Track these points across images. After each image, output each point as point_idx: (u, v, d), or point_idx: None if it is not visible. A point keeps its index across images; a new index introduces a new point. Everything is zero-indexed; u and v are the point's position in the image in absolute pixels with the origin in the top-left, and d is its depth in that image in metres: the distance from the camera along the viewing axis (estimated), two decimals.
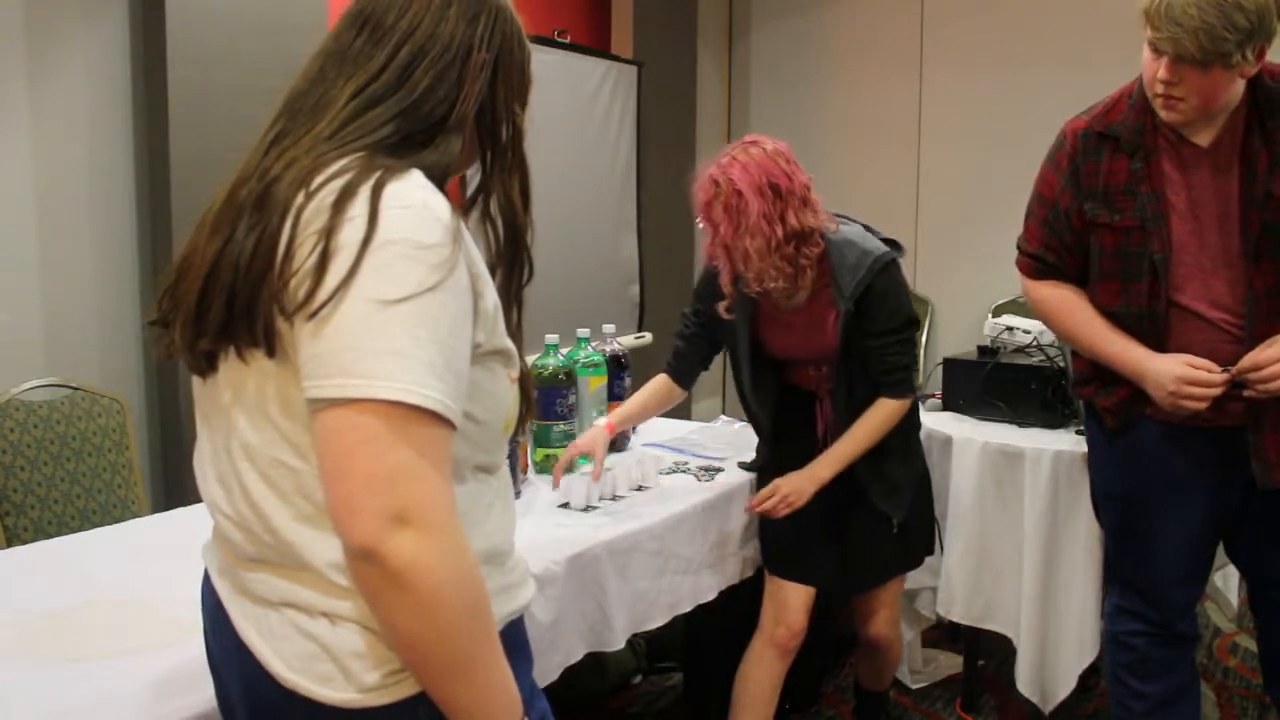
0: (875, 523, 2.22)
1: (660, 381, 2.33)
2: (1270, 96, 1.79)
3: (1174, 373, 1.81)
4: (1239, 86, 1.77)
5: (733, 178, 1.99)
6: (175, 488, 3.04)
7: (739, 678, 2.26)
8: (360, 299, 0.87)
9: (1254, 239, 1.79)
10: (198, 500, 1.99)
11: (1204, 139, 1.82)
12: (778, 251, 2.00)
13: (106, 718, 1.22)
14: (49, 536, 2.25)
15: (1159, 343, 1.87)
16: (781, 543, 2.24)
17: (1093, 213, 1.90)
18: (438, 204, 0.94)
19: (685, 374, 2.34)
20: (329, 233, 0.89)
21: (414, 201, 0.92)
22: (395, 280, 0.88)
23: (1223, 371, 1.80)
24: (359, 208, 0.90)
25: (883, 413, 2.15)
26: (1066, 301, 2.00)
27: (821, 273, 2.11)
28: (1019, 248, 2.10)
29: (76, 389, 2.53)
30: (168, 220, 2.98)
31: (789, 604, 2.21)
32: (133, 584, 1.63)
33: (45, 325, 2.90)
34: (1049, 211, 1.98)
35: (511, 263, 1.08)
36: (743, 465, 2.40)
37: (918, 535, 2.32)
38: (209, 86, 2.98)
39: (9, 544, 2.26)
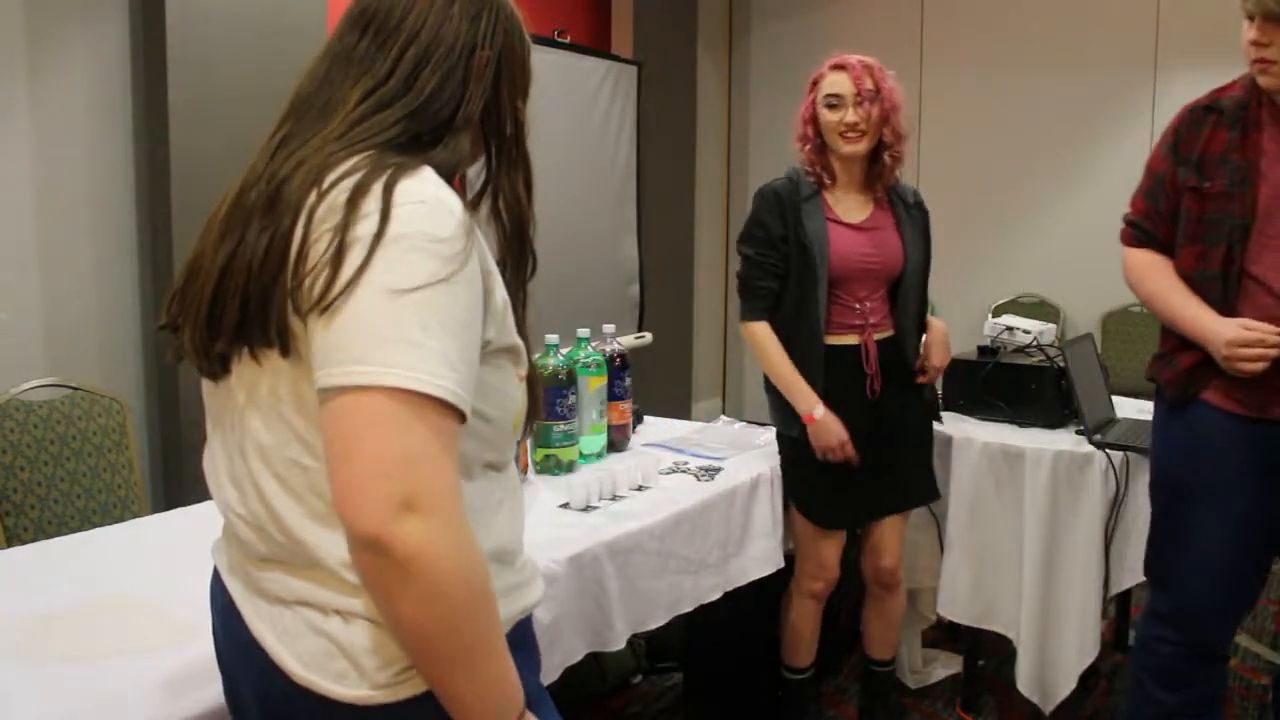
0: (904, 457, 2.42)
1: (769, 330, 2.36)
2: None
3: (1228, 334, 1.82)
4: None
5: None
6: (175, 488, 3.04)
7: (785, 621, 2.53)
8: (372, 289, 0.88)
9: None
10: (198, 500, 1.99)
11: None
12: (905, 139, 2.33)
13: (106, 718, 1.22)
14: (49, 536, 2.24)
15: (1229, 310, 1.87)
16: (824, 495, 2.38)
17: (1184, 177, 1.92)
18: (450, 199, 0.94)
19: (773, 311, 2.36)
20: (343, 229, 0.90)
21: (427, 197, 0.92)
22: (408, 271, 0.89)
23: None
24: (372, 204, 0.90)
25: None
26: (1152, 266, 2.02)
27: (883, 191, 2.37)
28: (1124, 220, 2.12)
29: (76, 389, 2.53)
30: (168, 220, 2.98)
31: (825, 561, 2.43)
32: (133, 584, 1.63)
33: (45, 325, 2.90)
34: (1152, 182, 2.02)
35: (518, 257, 1.09)
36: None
37: (929, 472, 2.51)
38: (209, 87, 2.99)
39: (9, 544, 2.26)
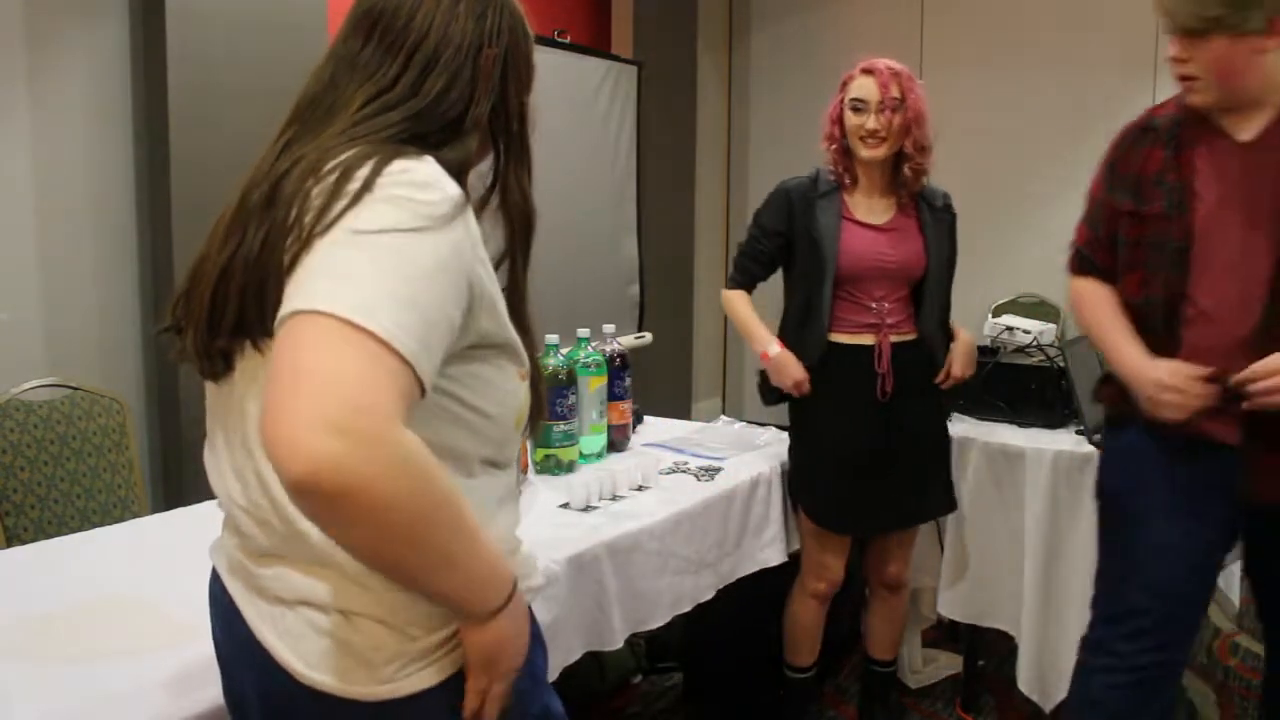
0: (918, 468, 2.38)
1: (744, 296, 2.47)
2: None
3: (1153, 376, 1.78)
4: (1270, 67, 1.68)
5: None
6: (175, 488, 3.04)
7: (788, 618, 2.54)
8: (338, 230, 0.88)
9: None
10: (197, 500, 1.99)
11: (1246, 133, 1.75)
12: (929, 152, 2.33)
13: (107, 718, 1.22)
14: (49, 536, 2.24)
15: (1174, 339, 1.82)
16: (829, 496, 2.38)
17: (1121, 201, 1.88)
18: (448, 183, 0.94)
19: (751, 287, 2.48)
20: (331, 196, 0.90)
21: (420, 172, 0.93)
22: (373, 216, 0.88)
23: (1210, 381, 1.73)
24: (363, 173, 0.91)
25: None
26: (1091, 296, 1.98)
27: (908, 196, 2.36)
28: (1070, 246, 2.09)
29: (76, 389, 2.53)
30: (168, 220, 2.98)
31: (829, 564, 2.44)
32: (133, 584, 1.63)
33: (45, 325, 2.90)
34: (1092, 207, 1.99)
35: (524, 252, 1.09)
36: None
37: (947, 485, 2.46)
38: (209, 87, 2.98)
39: (9, 544, 2.26)
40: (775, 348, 2.35)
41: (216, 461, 1.07)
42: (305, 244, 0.89)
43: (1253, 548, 1.93)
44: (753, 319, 2.43)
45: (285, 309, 0.86)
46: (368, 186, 0.89)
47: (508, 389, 1.03)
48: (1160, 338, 1.84)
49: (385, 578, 0.92)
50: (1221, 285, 1.77)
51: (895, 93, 2.25)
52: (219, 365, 1.01)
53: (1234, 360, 1.74)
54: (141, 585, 1.62)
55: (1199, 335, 1.79)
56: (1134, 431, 1.87)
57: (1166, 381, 1.76)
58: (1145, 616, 1.85)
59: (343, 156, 0.94)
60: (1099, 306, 1.96)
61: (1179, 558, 1.84)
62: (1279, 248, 1.72)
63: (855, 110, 2.28)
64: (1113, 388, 1.93)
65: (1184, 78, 1.73)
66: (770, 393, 2.44)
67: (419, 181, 0.92)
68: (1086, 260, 2.01)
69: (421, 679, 0.97)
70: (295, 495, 0.81)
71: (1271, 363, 1.66)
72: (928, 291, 2.37)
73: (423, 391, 0.87)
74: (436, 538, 0.87)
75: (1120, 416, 1.91)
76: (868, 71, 2.28)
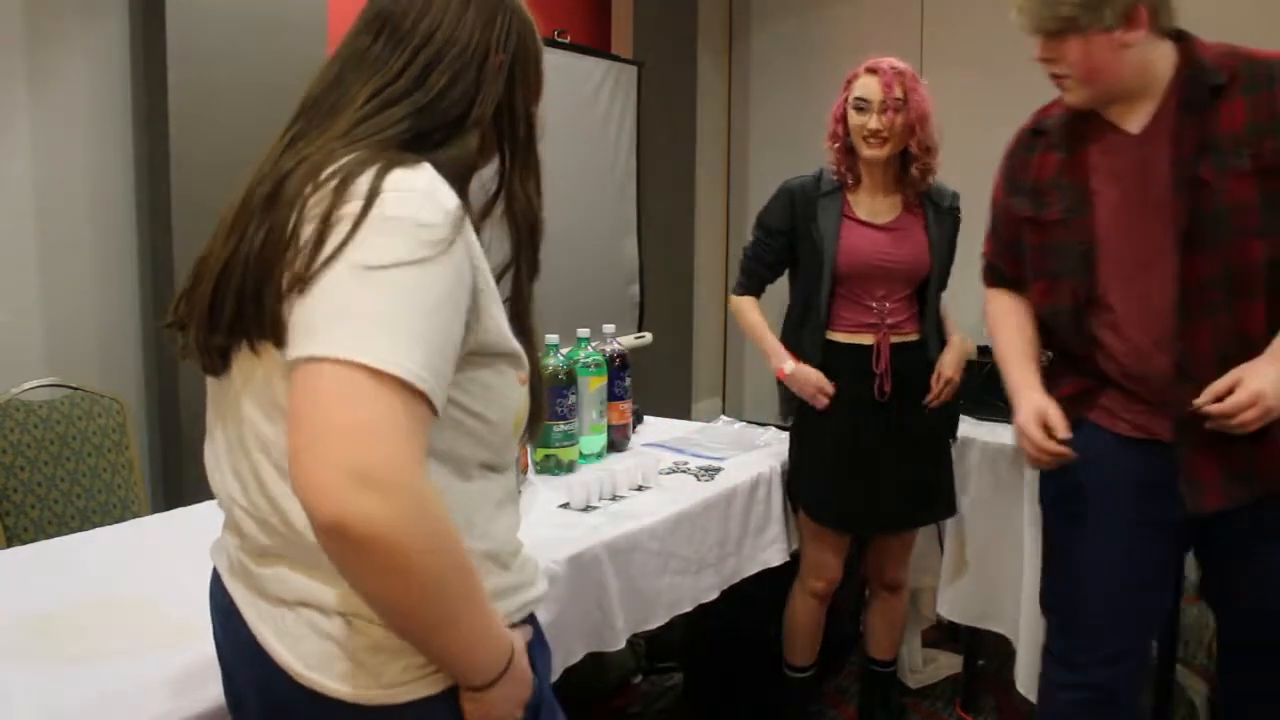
0: (916, 470, 2.37)
1: (754, 303, 2.47)
2: (1196, 74, 1.64)
3: (1017, 419, 1.75)
4: (1142, 59, 1.64)
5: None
6: (175, 488, 3.04)
7: (787, 618, 2.54)
8: (344, 265, 0.87)
9: (1183, 230, 1.63)
10: (197, 500, 1.99)
11: (1135, 125, 1.69)
12: (935, 152, 2.32)
13: (107, 718, 1.22)
14: (49, 536, 2.24)
15: (1087, 344, 1.76)
16: (823, 495, 2.38)
17: (1019, 207, 1.82)
18: (443, 193, 0.94)
19: (759, 292, 2.49)
20: (328, 212, 0.90)
21: (417, 187, 0.92)
22: (382, 249, 0.88)
23: (1062, 442, 1.70)
24: (360, 188, 0.90)
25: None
26: (999, 311, 1.94)
27: (914, 195, 2.35)
28: (982, 257, 2.04)
29: (76, 389, 2.53)
30: (168, 220, 2.98)
31: (827, 562, 2.44)
32: (133, 584, 1.63)
33: (45, 325, 2.90)
34: (993, 216, 1.94)
35: (531, 260, 1.09)
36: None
37: (947, 489, 2.46)
38: (209, 86, 2.98)
39: (9, 544, 2.26)
40: (790, 364, 2.34)
41: (216, 459, 1.07)
42: (308, 269, 0.88)
43: (1203, 565, 1.84)
44: (765, 333, 2.42)
45: (303, 351, 0.86)
46: (368, 205, 0.89)
47: (507, 393, 1.04)
48: (1074, 344, 1.79)
49: (395, 631, 0.93)
50: (1131, 285, 1.71)
51: (898, 93, 2.24)
52: (217, 361, 1.02)
53: (1151, 361, 1.69)
54: (141, 585, 1.62)
55: (1113, 339, 1.74)
56: (1087, 429, 1.78)
57: (1022, 428, 1.73)
58: (1096, 631, 1.79)
59: (342, 161, 0.94)
60: (1001, 323, 1.93)
61: (1123, 568, 1.76)
62: (1181, 241, 1.64)
63: (858, 110, 2.27)
64: (1058, 389, 1.85)
65: (1054, 77, 1.70)
66: (789, 400, 2.42)
67: (418, 199, 0.91)
68: (996, 271, 1.97)
69: (421, 687, 0.97)
70: (322, 538, 0.84)
71: (1236, 395, 1.56)
72: (931, 293, 2.36)
73: (436, 414, 0.90)
74: (448, 590, 0.89)
75: (1070, 417, 1.80)
76: (871, 71, 2.28)
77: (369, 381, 0.84)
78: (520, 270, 1.08)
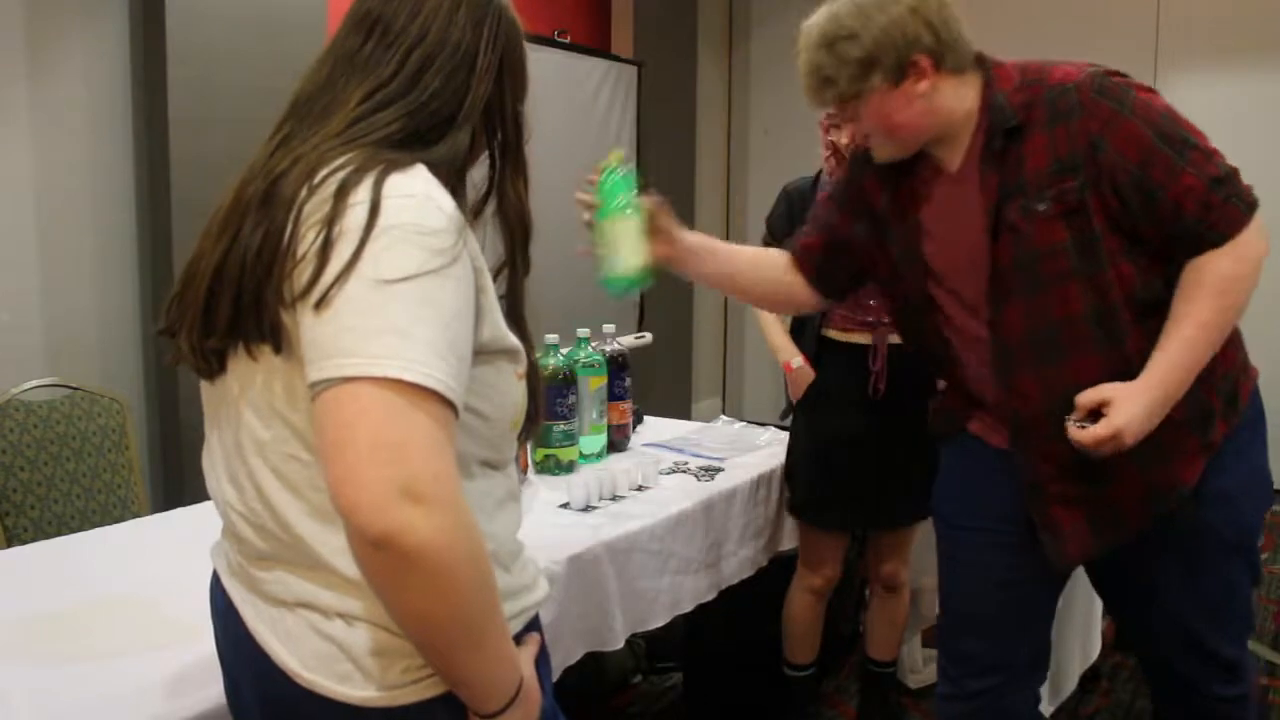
0: (910, 468, 2.33)
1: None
2: (995, 112, 1.54)
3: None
4: (940, 104, 1.55)
5: None
6: (175, 488, 3.04)
7: (785, 616, 2.52)
8: (361, 280, 0.87)
9: (989, 279, 1.55)
10: (197, 500, 1.99)
11: (952, 163, 1.60)
12: None
13: (107, 718, 1.22)
14: (49, 536, 2.25)
15: (948, 372, 1.72)
16: (817, 492, 2.38)
17: (858, 230, 1.74)
18: (439, 195, 0.94)
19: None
20: (331, 221, 0.90)
21: (416, 191, 0.92)
22: (396, 262, 0.88)
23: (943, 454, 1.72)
24: (361, 195, 0.90)
25: None
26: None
27: None
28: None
29: (76, 389, 2.53)
30: (168, 220, 2.98)
31: (824, 558, 2.43)
32: (133, 584, 1.63)
33: (45, 325, 2.91)
34: (819, 212, 1.88)
35: (523, 259, 1.09)
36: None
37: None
38: (209, 86, 2.99)
39: (9, 544, 2.26)
40: (798, 360, 2.37)
41: (213, 464, 1.07)
42: (316, 281, 0.88)
43: (1092, 574, 1.79)
44: (777, 331, 2.45)
45: (334, 372, 0.86)
46: (373, 215, 0.89)
47: (505, 389, 1.04)
48: (940, 369, 1.76)
49: (422, 649, 0.93)
50: (963, 334, 1.65)
51: None
52: (213, 365, 1.01)
53: (998, 411, 1.64)
54: (141, 585, 1.62)
55: (965, 376, 1.69)
56: (967, 440, 1.75)
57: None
58: (966, 641, 1.75)
59: (337, 162, 0.94)
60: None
61: (981, 575, 1.72)
62: (990, 291, 1.56)
63: (832, 125, 2.29)
64: (939, 402, 1.83)
65: (861, 137, 1.66)
66: (789, 403, 2.47)
67: (418, 204, 0.91)
68: (784, 239, 1.91)
69: (421, 689, 0.96)
70: (369, 554, 0.84)
71: (1097, 430, 1.46)
72: None
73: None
74: (478, 607, 0.90)
75: (949, 429, 1.79)
76: None
77: (405, 397, 0.85)
78: (515, 268, 1.09)
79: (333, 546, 0.95)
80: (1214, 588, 1.61)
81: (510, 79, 1.08)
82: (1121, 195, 1.48)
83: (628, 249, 1.73)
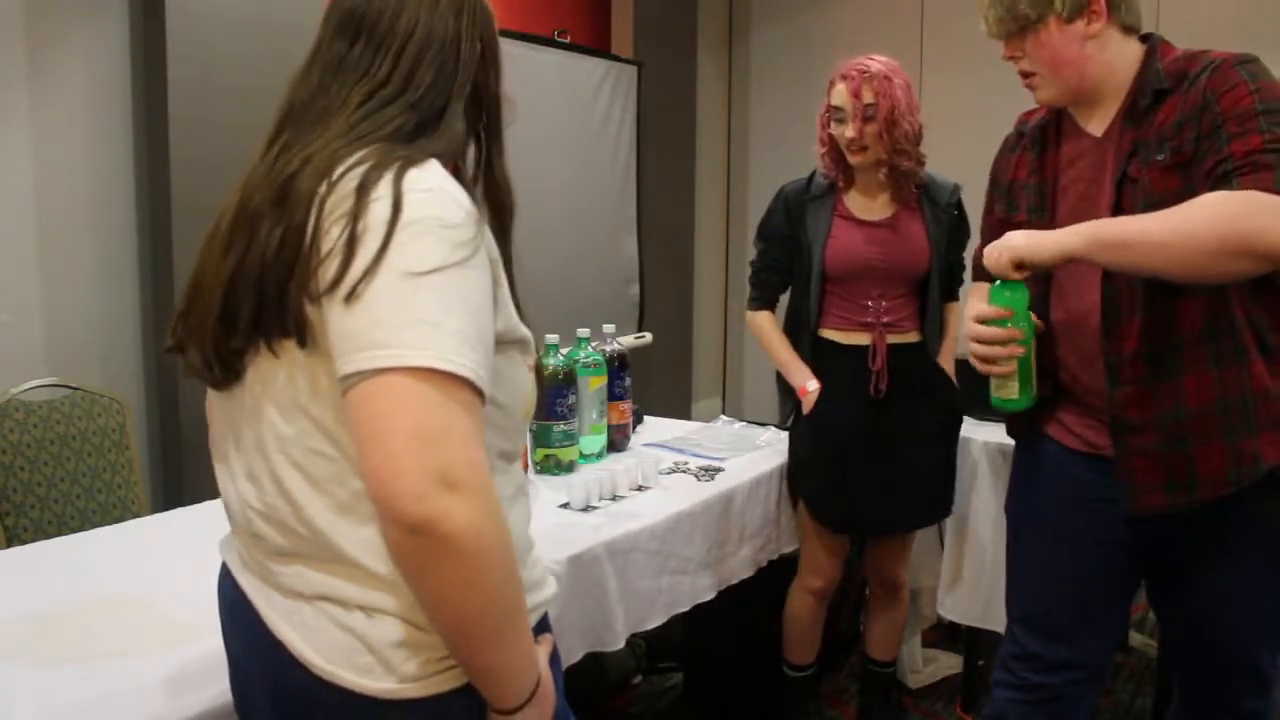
0: (911, 468, 2.36)
1: (770, 318, 2.48)
2: (1147, 78, 1.61)
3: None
4: (1106, 55, 1.62)
5: (897, 70, 2.28)
6: (175, 488, 3.04)
7: (786, 617, 2.53)
8: (390, 273, 0.89)
9: None
10: (197, 500, 2.00)
11: (1097, 127, 1.67)
12: (917, 142, 2.29)
13: (107, 718, 1.22)
14: (49, 536, 2.25)
15: (1046, 352, 1.71)
16: (820, 494, 2.38)
17: (999, 211, 1.81)
18: (454, 189, 0.96)
19: (773, 303, 2.50)
20: (355, 216, 0.91)
21: (433, 185, 0.94)
22: (423, 254, 0.90)
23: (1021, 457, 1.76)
24: (383, 190, 0.92)
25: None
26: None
27: (911, 190, 2.34)
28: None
29: (76, 389, 2.53)
30: (168, 220, 2.98)
31: (825, 561, 2.44)
32: (133, 584, 1.63)
33: (45, 325, 2.91)
34: (983, 224, 1.91)
35: (507, 234, 1.10)
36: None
37: (944, 490, 2.45)
38: (209, 86, 2.99)
39: (9, 544, 2.26)
40: (812, 383, 2.35)
41: (228, 468, 1.07)
42: (343, 275, 0.89)
43: (1151, 580, 1.78)
44: (786, 351, 2.40)
45: (368, 364, 0.87)
46: (397, 210, 0.90)
47: (519, 380, 1.06)
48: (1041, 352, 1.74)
49: (449, 641, 0.94)
50: (1081, 286, 1.67)
51: (868, 98, 2.22)
52: (229, 372, 1.01)
53: (1093, 365, 1.65)
54: (141, 585, 1.62)
55: (1067, 342, 1.70)
56: (1044, 443, 1.77)
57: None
58: (1028, 637, 1.79)
59: (354, 158, 0.95)
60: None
61: (1050, 578, 1.76)
62: None
63: (836, 120, 2.28)
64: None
65: (1024, 75, 1.69)
66: (787, 402, 2.45)
67: (437, 198, 0.93)
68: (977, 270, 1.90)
69: (443, 681, 0.97)
70: (406, 541, 0.86)
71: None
72: (932, 291, 2.35)
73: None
74: (505, 597, 0.92)
75: (1026, 429, 1.81)
76: (844, 78, 2.27)
77: (439, 386, 0.87)
78: (507, 248, 1.10)
79: (354, 540, 0.96)
80: (1274, 597, 1.64)
81: (491, 62, 1.10)
82: (1199, 138, 1.53)
83: (1029, 373, 1.65)
